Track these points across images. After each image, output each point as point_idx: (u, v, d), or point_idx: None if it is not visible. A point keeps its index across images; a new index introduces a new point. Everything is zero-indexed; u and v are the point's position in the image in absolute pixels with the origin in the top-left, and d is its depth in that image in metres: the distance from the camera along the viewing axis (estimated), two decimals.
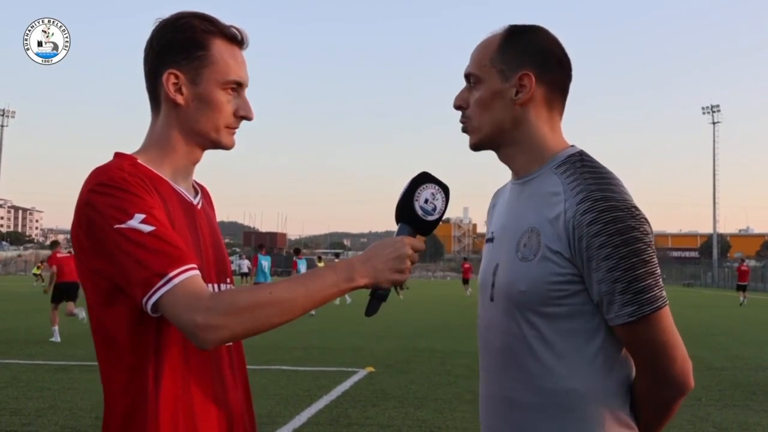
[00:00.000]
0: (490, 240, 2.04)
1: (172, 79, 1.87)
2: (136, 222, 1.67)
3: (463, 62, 2.00)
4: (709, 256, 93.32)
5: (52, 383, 9.67)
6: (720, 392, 9.68)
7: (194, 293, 1.64)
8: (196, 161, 1.98)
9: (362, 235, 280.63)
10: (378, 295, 1.82)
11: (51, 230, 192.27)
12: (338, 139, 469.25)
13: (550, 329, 1.81)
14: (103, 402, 1.83)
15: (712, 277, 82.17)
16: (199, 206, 1.97)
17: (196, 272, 1.69)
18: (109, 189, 1.72)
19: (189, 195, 1.95)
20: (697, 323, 21.79)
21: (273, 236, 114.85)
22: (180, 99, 1.88)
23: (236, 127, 1.95)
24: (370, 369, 11.34)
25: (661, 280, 1.77)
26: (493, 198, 2.20)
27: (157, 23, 1.91)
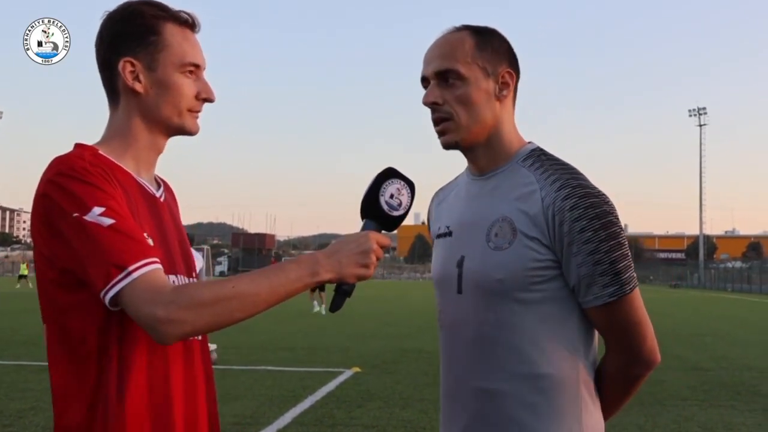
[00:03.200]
0: (446, 234, 2.05)
1: (129, 68, 1.85)
2: (96, 215, 1.64)
3: None
4: (696, 257, 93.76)
5: (36, 384, 9.59)
6: (705, 392, 9.70)
7: (155, 287, 1.61)
8: (159, 151, 1.95)
9: None
10: (342, 290, 1.81)
11: None
12: (327, 139, 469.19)
13: (527, 315, 1.85)
14: (53, 405, 1.77)
15: (698, 278, 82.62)
16: (161, 199, 1.95)
17: (158, 266, 1.66)
18: (69, 180, 1.68)
19: (152, 188, 1.92)
20: (683, 324, 21.88)
21: (262, 237, 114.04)
22: (139, 87, 1.86)
23: (199, 111, 1.94)
24: (356, 369, 11.31)
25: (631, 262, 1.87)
26: (435, 197, 2.24)
27: (104, 15, 1.89)
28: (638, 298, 1.86)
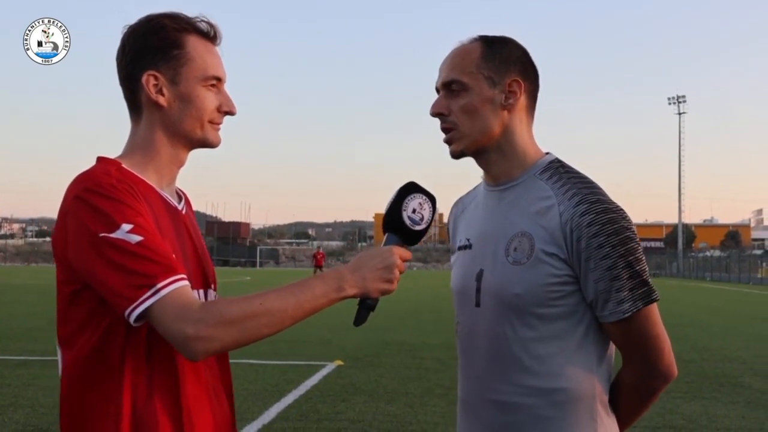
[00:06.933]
0: (467, 247, 2.07)
1: (152, 81, 1.85)
2: (124, 232, 1.64)
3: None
4: (675, 246, 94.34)
5: (13, 379, 9.44)
6: (688, 384, 9.74)
7: (184, 304, 1.62)
8: (181, 164, 1.95)
9: (327, 225, 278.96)
10: (366, 305, 1.83)
11: (5, 219, 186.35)
12: (302, 127, 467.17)
13: (544, 330, 1.88)
14: (61, 424, 1.76)
15: (677, 267, 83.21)
16: (183, 212, 1.95)
17: (185, 282, 1.67)
18: (96, 197, 1.68)
19: (174, 201, 1.92)
20: (664, 314, 21.51)
21: (236, 226, 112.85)
22: (162, 100, 1.86)
23: (220, 123, 1.94)
24: (339, 362, 11.26)
25: (650, 276, 1.89)
26: (455, 207, 2.26)
27: (126, 29, 1.89)
28: (656, 312, 1.90)
